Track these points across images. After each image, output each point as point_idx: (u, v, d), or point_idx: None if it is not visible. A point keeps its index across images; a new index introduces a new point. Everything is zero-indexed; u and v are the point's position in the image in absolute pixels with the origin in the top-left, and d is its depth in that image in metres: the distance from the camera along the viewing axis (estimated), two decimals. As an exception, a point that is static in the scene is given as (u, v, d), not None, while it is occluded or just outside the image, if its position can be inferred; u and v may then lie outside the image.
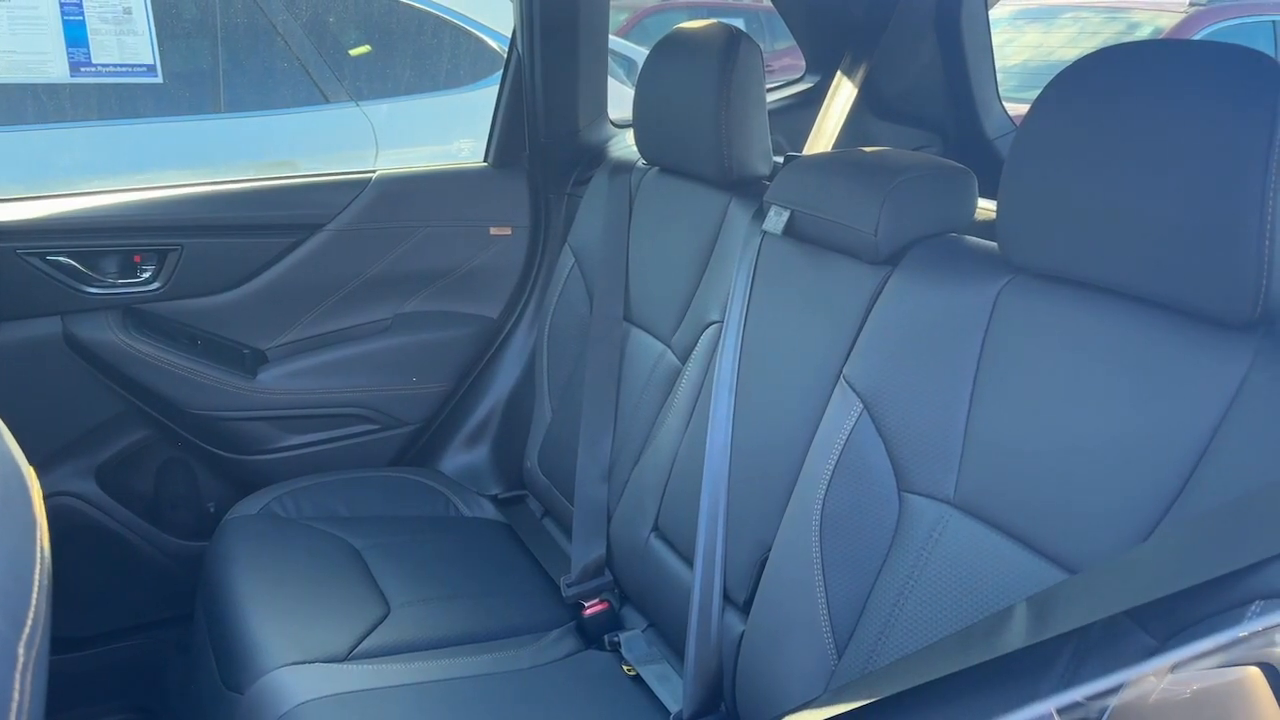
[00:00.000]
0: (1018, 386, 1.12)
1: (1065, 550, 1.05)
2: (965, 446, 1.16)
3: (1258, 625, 0.98)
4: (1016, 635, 0.99)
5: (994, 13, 5.34)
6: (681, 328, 1.71)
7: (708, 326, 1.63)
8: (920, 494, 1.20)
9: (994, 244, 1.20)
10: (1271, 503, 0.89)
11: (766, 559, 1.38)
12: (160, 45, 2.15)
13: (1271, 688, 1.27)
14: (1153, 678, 1.03)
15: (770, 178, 1.67)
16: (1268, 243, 0.91)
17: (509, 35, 2.19)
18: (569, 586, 1.73)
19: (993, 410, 1.14)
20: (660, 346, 1.76)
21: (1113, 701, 0.77)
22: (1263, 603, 0.87)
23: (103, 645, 2.03)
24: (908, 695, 1.06)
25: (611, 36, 2.39)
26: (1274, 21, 5.11)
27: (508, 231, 2.21)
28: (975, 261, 1.24)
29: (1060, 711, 0.76)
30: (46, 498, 0.68)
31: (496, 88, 2.23)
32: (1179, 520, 0.96)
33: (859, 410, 1.27)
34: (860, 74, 2.48)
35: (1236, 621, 0.96)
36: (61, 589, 0.68)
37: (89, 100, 2.76)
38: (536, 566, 1.85)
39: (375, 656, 1.51)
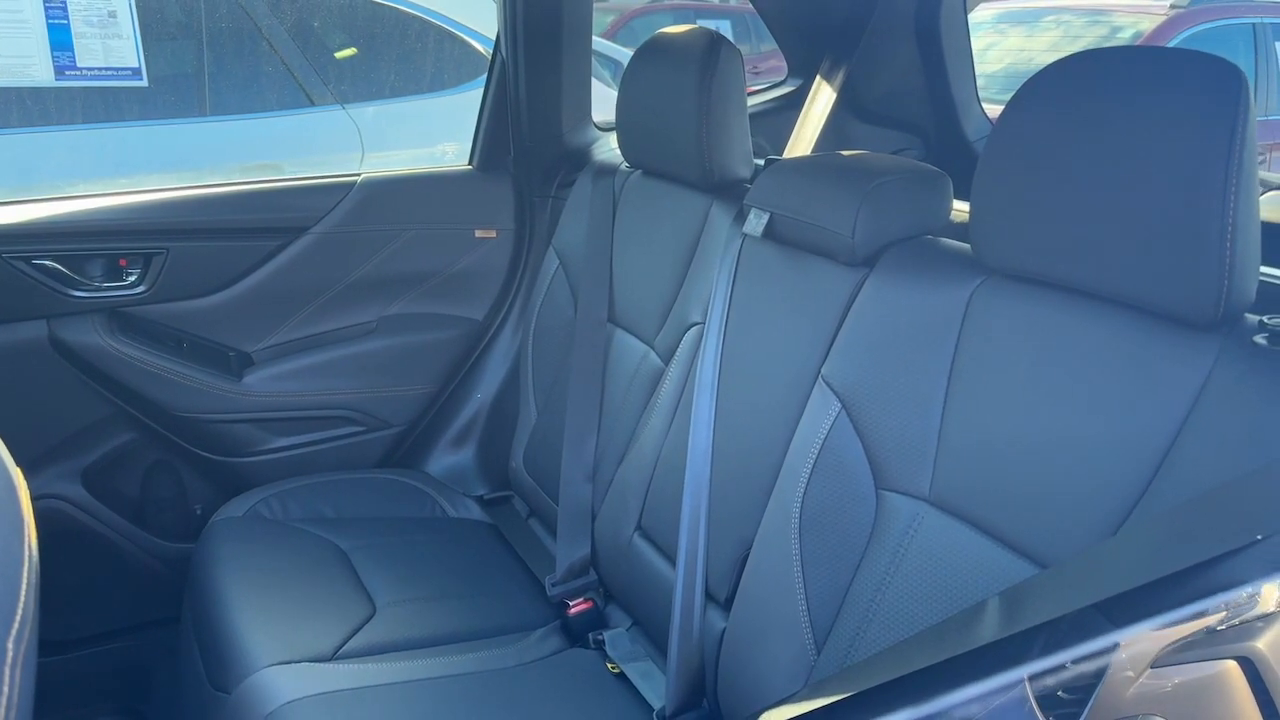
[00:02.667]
0: (990, 385, 1.15)
1: (1036, 545, 1.07)
2: (940, 444, 1.18)
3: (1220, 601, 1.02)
4: (989, 629, 1.01)
5: (976, 15, 5.35)
6: (664, 329, 1.73)
7: (690, 328, 1.65)
8: (897, 491, 1.22)
9: (968, 246, 1.23)
10: (1235, 497, 0.92)
11: (748, 556, 1.40)
12: (145, 48, 2.16)
13: (1248, 680, 1.33)
14: (1130, 672, 1.08)
15: (751, 181, 1.69)
16: (1229, 245, 0.93)
17: (493, 38, 2.20)
18: (554, 586, 1.75)
19: (966, 409, 1.16)
20: (643, 348, 1.77)
21: (1071, 674, 0.80)
22: (1227, 594, 0.89)
23: (90, 648, 2.03)
24: (884, 689, 1.08)
25: (598, 39, 2.40)
26: (1253, 24, 5.16)
27: (492, 234, 2.23)
28: (949, 263, 1.26)
29: (1032, 679, 0.80)
30: (32, 501, 0.70)
31: (481, 91, 2.24)
32: (1146, 515, 0.98)
33: (837, 409, 1.29)
34: (840, 77, 2.50)
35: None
36: (48, 592, 0.70)
37: (73, 104, 2.77)
38: (522, 566, 1.86)
39: (361, 656, 1.52)
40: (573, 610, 1.71)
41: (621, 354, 1.82)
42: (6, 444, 0.75)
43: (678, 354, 1.65)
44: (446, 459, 2.25)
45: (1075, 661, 0.86)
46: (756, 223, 1.51)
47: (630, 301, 1.85)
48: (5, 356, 1.87)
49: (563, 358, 1.95)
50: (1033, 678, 0.88)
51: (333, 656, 1.51)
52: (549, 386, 1.99)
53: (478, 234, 2.21)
